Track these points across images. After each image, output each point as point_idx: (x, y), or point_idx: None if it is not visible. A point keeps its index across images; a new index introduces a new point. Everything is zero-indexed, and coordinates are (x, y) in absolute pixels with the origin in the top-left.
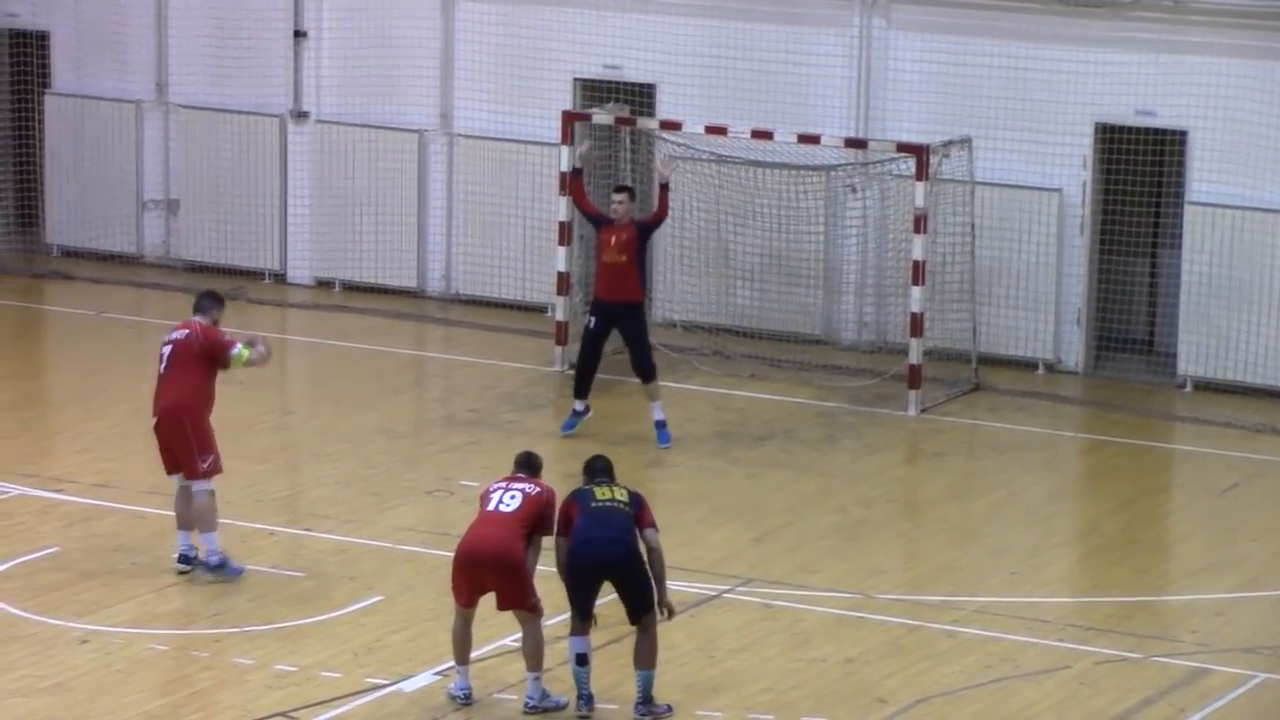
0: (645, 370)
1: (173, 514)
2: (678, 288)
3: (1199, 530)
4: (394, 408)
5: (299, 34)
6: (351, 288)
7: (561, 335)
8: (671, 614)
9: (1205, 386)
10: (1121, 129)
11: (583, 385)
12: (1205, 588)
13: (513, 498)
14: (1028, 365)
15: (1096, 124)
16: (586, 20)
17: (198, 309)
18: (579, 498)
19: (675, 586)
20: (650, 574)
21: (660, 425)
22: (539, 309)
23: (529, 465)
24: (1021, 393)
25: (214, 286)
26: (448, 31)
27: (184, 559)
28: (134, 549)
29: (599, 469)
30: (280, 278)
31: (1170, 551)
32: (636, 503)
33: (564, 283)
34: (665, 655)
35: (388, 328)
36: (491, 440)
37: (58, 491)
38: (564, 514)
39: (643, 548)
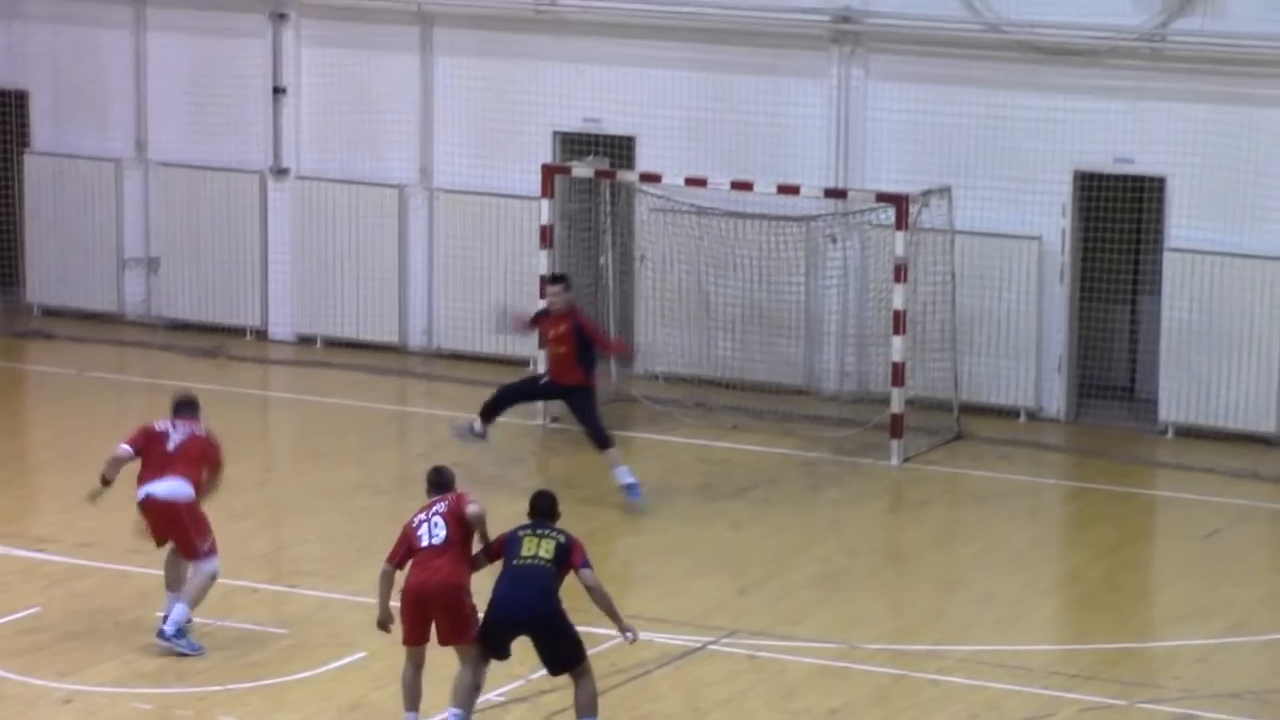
0: (600, 441)
1: (156, 573)
2: (659, 340)
3: (1182, 576)
4: (377, 463)
5: (278, 90)
6: (333, 343)
7: None
8: (635, 636)
9: (1187, 432)
10: (1100, 176)
11: (493, 409)
12: (1189, 633)
13: (436, 525)
14: (1009, 413)
15: (1075, 171)
16: (565, 74)
17: (188, 413)
18: (509, 545)
19: (660, 638)
20: (573, 627)
21: (628, 488)
22: (521, 363)
23: (440, 483)
24: (1004, 440)
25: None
26: (427, 86)
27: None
28: (117, 608)
29: (541, 509)
30: (262, 334)
31: (1154, 598)
32: (564, 550)
33: None
34: (650, 708)
35: (370, 383)
36: (474, 495)
37: (40, 551)
38: (498, 542)
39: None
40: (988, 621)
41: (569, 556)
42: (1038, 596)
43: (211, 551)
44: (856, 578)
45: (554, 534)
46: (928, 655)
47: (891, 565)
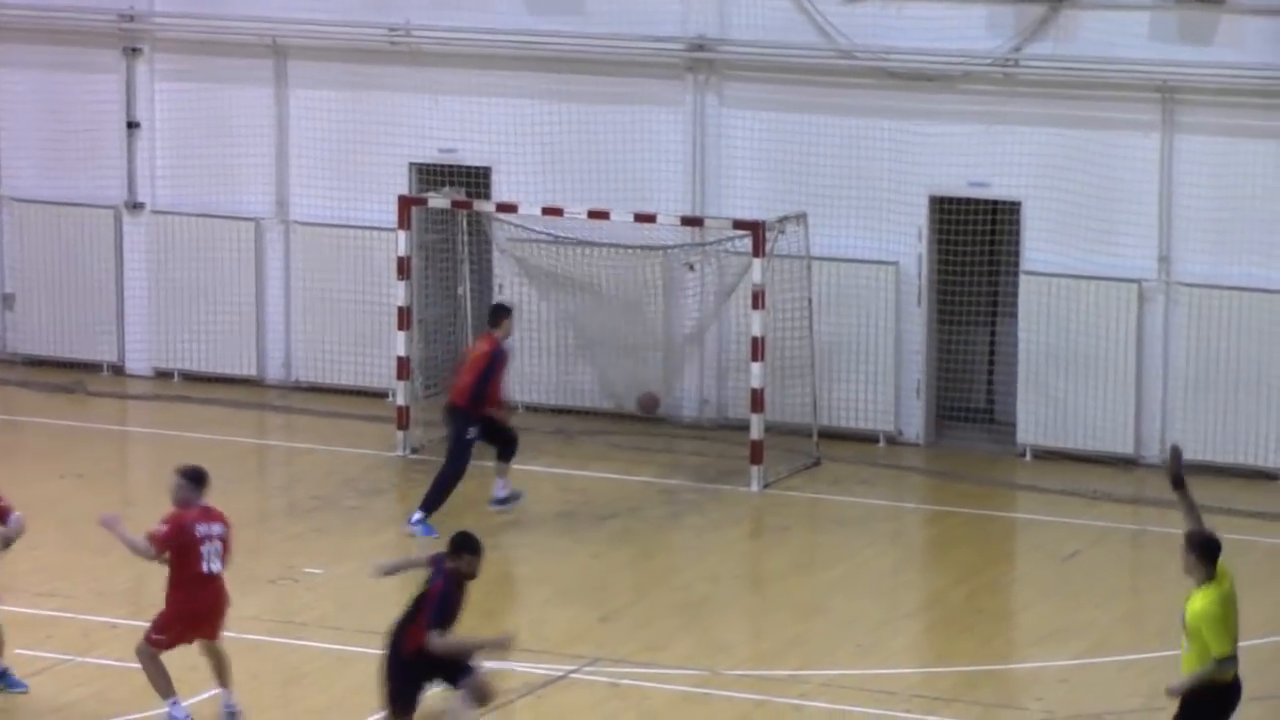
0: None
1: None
2: (519, 369)
3: (1042, 598)
4: (236, 496)
5: (132, 125)
6: (191, 377)
7: (403, 419)
8: (509, 640)
9: (1045, 455)
10: (955, 200)
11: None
12: (1049, 655)
13: (217, 549)
14: (869, 438)
15: (930, 196)
16: (421, 105)
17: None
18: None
19: (522, 668)
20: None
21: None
22: (379, 394)
23: (198, 480)
24: (863, 465)
25: None
26: (281, 119)
27: None
28: None
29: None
30: (119, 369)
31: (1014, 619)
32: (419, 601)
33: (404, 368)
34: None
35: (228, 417)
36: (335, 527)
37: None
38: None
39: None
40: (849, 646)
41: (420, 612)
42: (899, 620)
43: None
44: (718, 604)
45: (427, 576)
46: (790, 680)
47: (753, 591)
